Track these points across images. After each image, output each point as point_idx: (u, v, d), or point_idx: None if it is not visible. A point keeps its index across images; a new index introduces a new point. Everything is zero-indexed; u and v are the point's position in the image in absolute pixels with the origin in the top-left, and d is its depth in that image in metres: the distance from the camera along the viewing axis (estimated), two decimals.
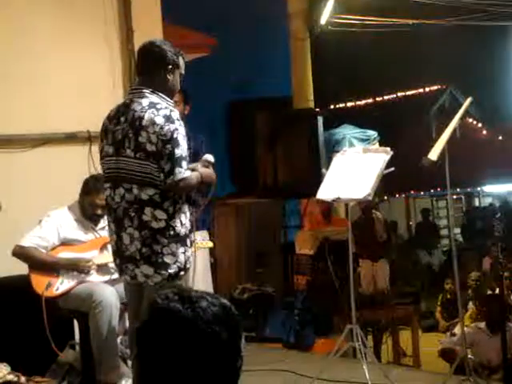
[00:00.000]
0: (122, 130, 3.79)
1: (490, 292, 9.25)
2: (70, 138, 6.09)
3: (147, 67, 3.88)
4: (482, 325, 7.06)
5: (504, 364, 5.92)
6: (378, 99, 15.08)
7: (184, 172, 3.68)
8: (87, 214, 4.99)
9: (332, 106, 13.99)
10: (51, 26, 6.13)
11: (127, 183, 3.76)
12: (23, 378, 4.84)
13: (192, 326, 1.67)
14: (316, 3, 11.36)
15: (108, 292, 4.67)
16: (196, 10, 9.97)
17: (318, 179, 5.95)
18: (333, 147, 8.43)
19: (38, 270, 4.82)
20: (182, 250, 3.77)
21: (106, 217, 5.03)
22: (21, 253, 4.87)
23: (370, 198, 4.91)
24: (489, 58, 15.47)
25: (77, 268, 4.82)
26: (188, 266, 3.82)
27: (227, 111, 9.93)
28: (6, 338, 5.04)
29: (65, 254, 4.88)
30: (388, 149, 5.03)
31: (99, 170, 5.97)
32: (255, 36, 11.03)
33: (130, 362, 4.86)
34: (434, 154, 4.91)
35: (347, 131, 9.22)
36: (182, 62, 3.91)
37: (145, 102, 3.76)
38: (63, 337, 4.98)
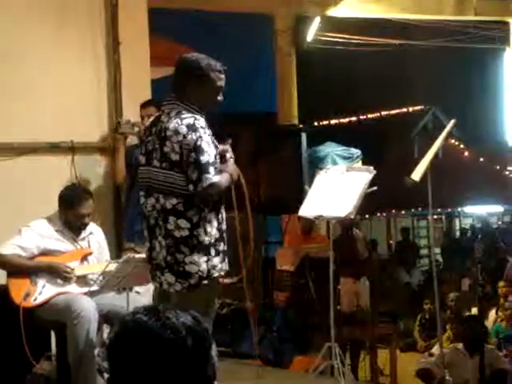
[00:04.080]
0: (152, 141, 3.88)
1: (468, 313, 9.28)
2: (54, 148, 6.07)
3: (177, 80, 3.95)
4: (460, 346, 7.07)
5: None
6: (361, 117, 15.15)
7: (212, 177, 3.73)
8: (74, 225, 4.95)
9: (316, 123, 14.03)
10: (37, 36, 6.12)
11: (156, 193, 3.85)
12: None
13: (156, 334, 1.69)
14: (302, 21, 11.44)
15: (87, 303, 4.63)
16: (182, 25, 10.00)
17: (300, 196, 5.95)
18: (316, 164, 8.45)
19: (16, 279, 4.77)
20: (204, 259, 3.80)
21: (88, 227, 5.03)
22: (0, 260, 4.83)
23: (353, 216, 4.93)
24: (472, 80, 15.60)
25: (58, 273, 4.77)
26: (215, 274, 3.84)
27: (210, 126, 9.94)
28: None
29: None
30: (371, 168, 5.06)
31: (84, 179, 6.00)
32: (241, 51, 11.05)
33: (107, 375, 4.83)
34: (416, 175, 4.94)
35: (330, 149, 9.26)
36: (214, 74, 3.90)
37: (173, 112, 3.84)
38: (40, 347, 4.93)
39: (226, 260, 3.92)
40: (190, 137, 3.72)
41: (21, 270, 4.78)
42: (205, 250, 3.79)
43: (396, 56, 12.84)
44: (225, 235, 3.91)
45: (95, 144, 6.26)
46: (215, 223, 3.84)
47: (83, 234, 5.03)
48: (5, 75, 5.96)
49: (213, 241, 3.82)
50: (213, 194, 3.76)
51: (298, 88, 11.35)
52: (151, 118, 5.44)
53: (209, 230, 3.80)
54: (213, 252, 3.82)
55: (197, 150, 3.71)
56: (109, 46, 6.34)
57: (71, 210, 4.94)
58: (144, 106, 5.95)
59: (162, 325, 1.70)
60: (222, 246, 3.87)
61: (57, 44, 6.17)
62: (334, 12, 11.06)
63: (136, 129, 5.98)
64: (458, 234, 19.16)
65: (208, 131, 3.81)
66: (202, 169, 3.71)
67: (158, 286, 3.97)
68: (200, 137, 3.73)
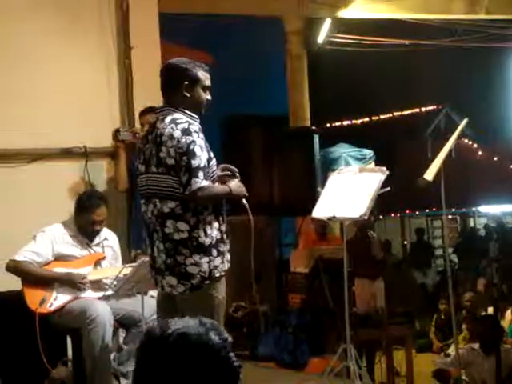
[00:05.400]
0: (149, 149, 3.92)
1: (484, 313, 9.23)
2: (66, 153, 6.09)
3: (167, 87, 3.98)
4: (476, 346, 7.04)
5: None
6: (374, 118, 15.11)
7: (201, 182, 3.75)
8: (86, 230, 4.98)
9: (328, 125, 14.01)
10: (48, 41, 6.14)
11: (153, 198, 3.89)
12: None
13: (161, 341, 1.77)
14: (313, 22, 11.43)
15: (102, 308, 4.65)
16: (194, 30, 10.02)
17: (313, 198, 5.94)
18: (329, 166, 8.43)
19: (31, 286, 4.80)
20: (206, 259, 3.82)
21: (101, 233, 5.05)
22: (15, 267, 4.85)
23: (366, 217, 4.90)
24: (485, 79, 15.54)
25: (72, 284, 4.80)
26: (216, 274, 3.86)
27: (222, 129, 9.95)
28: None
29: (59, 270, 4.86)
30: (384, 168, 5.04)
31: (95, 185, 6.01)
32: (252, 54, 11.07)
33: (123, 380, 4.84)
34: (429, 175, 4.93)
35: (343, 150, 9.23)
36: (202, 75, 3.95)
37: (168, 119, 3.86)
38: (56, 353, 4.95)
39: (227, 260, 3.94)
40: (183, 140, 3.75)
41: (35, 278, 4.80)
42: (206, 251, 3.82)
43: (407, 56, 12.80)
44: (225, 236, 3.93)
45: (107, 149, 6.27)
46: (216, 224, 3.87)
47: (97, 240, 5.05)
48: (16, 82, 5.99)
49: (214, 242, 3.85)
50: (201, 197, 3.77)
51: (309, 90, 11.34)
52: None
53: (209, 231, 3.83)
54: (214, 253, 3.85)
55: (189, 153, 3.74)
56: (120, 50, 6.37)
57: (84, 215, 4.96)
58: (143, 113, 5.97)
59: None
60: (223, 247, 3.90)
61: (68, 49, 6.20)
62: (344, 14, 11.04)
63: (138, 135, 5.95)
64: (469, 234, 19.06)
65: (201, 135, 3.84)
66: (192, 172, 3.74)
67: (160, 290, 4.01)
68: (193, 141, 3.76)
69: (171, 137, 3.77)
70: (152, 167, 3.88)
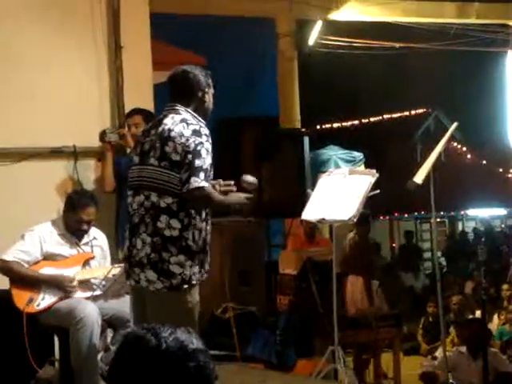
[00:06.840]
0: (150, 141, 3.94)
1: (471, 316, 9.26)
2: (56, 153, 6.07)
3: (182, 93, 4.02)
4: (464, 349, 7.05)
5: None
6: (363, 121, 15.13)
7: (201, 182, 3.76)
8: (72, 229, 4.96)
9: (318, 127, 14.02)
10: (39, 41, 6.12)
11: (147, 190, 3.88)
12: None
13: (155, 350, 1.75)
14: (304, 24, 11.45)
15: (90, 308, 4.63)
16: (185, 30, 10.01)
17: (303, 199, 5.94)
18: (318, 168, 8.44)
19: (19, 285, 4.78)
20: (189, 263, 3.83)
21: (90, 232, 5.03)
22: (3, 267, 4.83)
23: (355, 219, 4.91)
24: (473, 83, 15.60)
25: (60, 287, 4.78)
26: (194, 281, 3.86)
27: (213, 130, 9.95)
28: None
29: (47, 269, 4.84)
30: (374, 171, 5.05)
31: (84, 185, 5.98)
32: (243, 56, 11.07)
33: None
34: (419, 178, 4.94)
35: (333, 152, 9.26)
36: (211, 84, 4.09)
37: (177, 117, 3.91)
38: (43, 353, 4.93)
39: (204, 270, 3.94)
40: (192, 140, 3.79)
41: (23, 279, 4.78)
42: (191, 255, 3.84)
43: (398, 59, 12.84)
44: (207, 246, 3.95)
45: (97, 149, 6.25)
46: (203, 233, 3.90)
47: (86, 239, 5.04)
48: (6, 80, 5.96)
49: (198, 250, 3.87)
50: (198, 197, 3.78)
51: (299, 92, 11.35)
52: (139, 128, 5.47)
53: (196, 237, 3.86)
54: (196, 260, 3.87)
55: (194, 153, 3.77)
56: (111, 50, 6.34)
57: (72, 213, 4.95)
58: (130, 114, 5.98)
59: (159, 341, 1.74)
60: (202, 256, 3.91)
61: (58, 48, 6.17)
62: (335, 16, 11.07)
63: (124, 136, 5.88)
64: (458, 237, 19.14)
65: (210, 141, 3.88)
66: (193, 171, 3.76)
67: (133, 283, 3.96)
68: (201, 143, 3.81)
69: (181, 134, 3.81)
70: (151, 159, 3.88)
